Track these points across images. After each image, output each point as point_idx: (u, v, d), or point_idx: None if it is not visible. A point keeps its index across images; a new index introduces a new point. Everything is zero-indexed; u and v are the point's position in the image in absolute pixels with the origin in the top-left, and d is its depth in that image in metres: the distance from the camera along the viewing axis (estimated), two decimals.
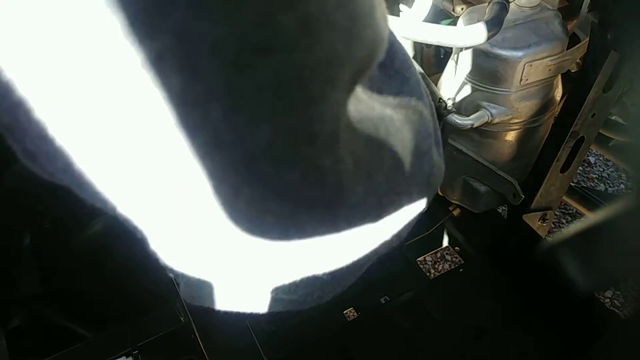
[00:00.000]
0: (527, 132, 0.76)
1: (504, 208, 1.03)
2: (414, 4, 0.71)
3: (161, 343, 0.61)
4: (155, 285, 0.61)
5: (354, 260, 0.28)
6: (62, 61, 0.17)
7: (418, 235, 1.03)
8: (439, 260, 1.26)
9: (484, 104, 0.72)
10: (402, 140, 0.27)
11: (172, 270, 0.25)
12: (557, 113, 0.77)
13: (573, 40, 0.73)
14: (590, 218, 0.98)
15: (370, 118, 0.25)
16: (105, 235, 0.58)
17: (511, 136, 0.76)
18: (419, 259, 1.07)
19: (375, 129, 0.25)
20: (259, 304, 0.30)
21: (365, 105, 0.25)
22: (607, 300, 1.18)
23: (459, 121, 0.71)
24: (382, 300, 0.93)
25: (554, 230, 1.27)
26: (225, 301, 0.31)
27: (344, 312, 0.93)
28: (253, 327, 0.77)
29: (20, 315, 0.48)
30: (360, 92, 0.25)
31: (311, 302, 0.30)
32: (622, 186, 1.38)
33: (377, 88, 0.29)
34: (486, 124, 0.72)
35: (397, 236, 0.29)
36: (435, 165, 0.32)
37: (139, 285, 0.61)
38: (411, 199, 0.29)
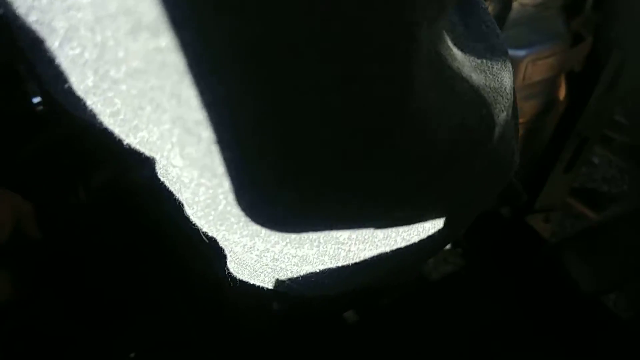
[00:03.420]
0: (530, 132, 0.75)
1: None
2: None
3: (161, 347, 0.61)
4: (155, 289, 0.60)
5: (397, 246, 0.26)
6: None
7: None
8: (440, 262, 1.25)
9: None
10: (473, 102, 0.25)
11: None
12: (561, 112, 0.76)
13: (577, 38, 0.72)
14: (594, 220, 0.97)
15: (450, 66, 0.23)
16: (105, 236, 0.57)
17: None
18: None
19: (452, 78, 0.23)
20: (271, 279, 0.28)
21: (449, 53, 0.23)
22: (610, 302, 1.17)
23: None
24: (383, 303, 0.92)
25: (557, 231, 1.26)
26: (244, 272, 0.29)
27: (344, 314, 0.92)
28: (255, 331, 0.76)
29: (15, 317, 0.47)
30: (447, 39, 0.23)
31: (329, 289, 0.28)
32: (625, 187, 1.37)
33: (461, 45, 0.26)
34: None
35: (449, 227, 0.27)
36: (504, 145, 0.28)
37: (138, 288, 0.60)
38: (473, 174, 0.26)
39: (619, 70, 0.68)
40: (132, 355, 0.56)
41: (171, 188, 0.24)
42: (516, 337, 0.84)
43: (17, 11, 0.17)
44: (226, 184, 0.20)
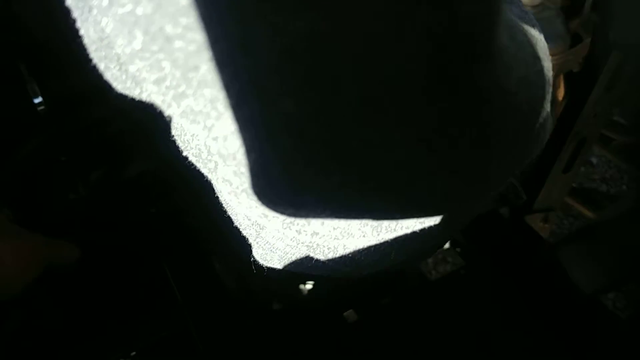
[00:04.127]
0: None
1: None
2: None
3: (161, 346, 0.61)
4: (154, 287, 0.60)
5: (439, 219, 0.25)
6: None
7: None
8: (440, 261, 1.26)
9: None
10: (532, 56, 0.24)
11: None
12: (559, 113, 0.76)
13: (575, 39, 0.72)
14: (593, 219, 0.97)
15: (509, 17, 0.23)
16: (104, 235, 0.58)
17: None
18: None
19: (513, 34, 0.22)
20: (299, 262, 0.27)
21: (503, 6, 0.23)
22: (609, 302, 1.18)
23: None
24: (383, 302, 0.92)
25: (556, 231, 1.26)
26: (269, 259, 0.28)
27: (344, 313, 0.92)
28: (255, 331, 0.76)
29: (16, 317, 0.47)
30: None
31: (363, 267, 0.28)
32: (624, 187, 1.38)
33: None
34: None
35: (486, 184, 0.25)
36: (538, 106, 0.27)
37: (138, 287, 0.60)
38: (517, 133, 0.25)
39: (618, 71, 0.68)
40: (133, 354, 0.56)
41: (203, 168, 0.22)
42: (515, 337, 0.84)
43: None
44: (282, 148, 0.18)
